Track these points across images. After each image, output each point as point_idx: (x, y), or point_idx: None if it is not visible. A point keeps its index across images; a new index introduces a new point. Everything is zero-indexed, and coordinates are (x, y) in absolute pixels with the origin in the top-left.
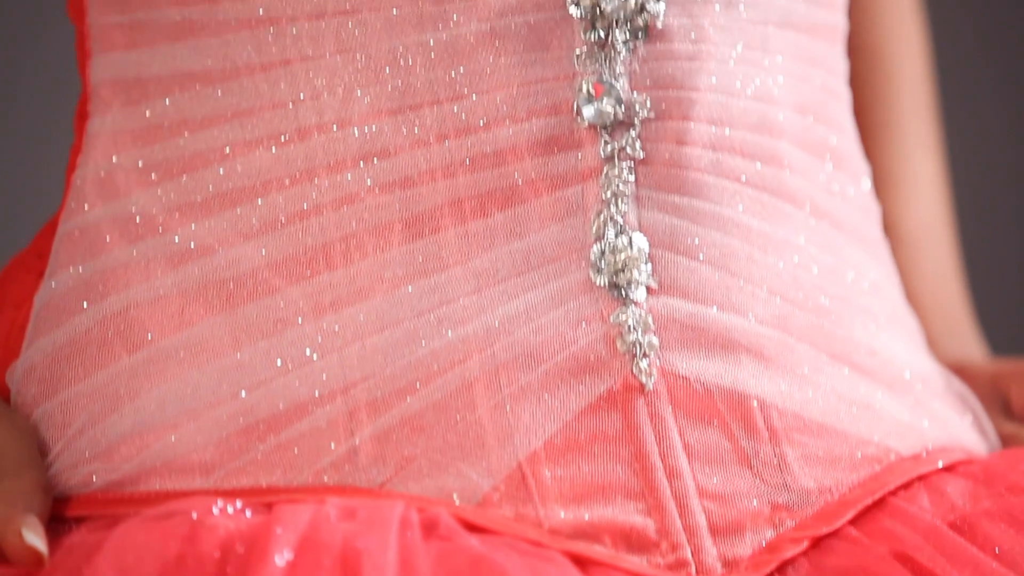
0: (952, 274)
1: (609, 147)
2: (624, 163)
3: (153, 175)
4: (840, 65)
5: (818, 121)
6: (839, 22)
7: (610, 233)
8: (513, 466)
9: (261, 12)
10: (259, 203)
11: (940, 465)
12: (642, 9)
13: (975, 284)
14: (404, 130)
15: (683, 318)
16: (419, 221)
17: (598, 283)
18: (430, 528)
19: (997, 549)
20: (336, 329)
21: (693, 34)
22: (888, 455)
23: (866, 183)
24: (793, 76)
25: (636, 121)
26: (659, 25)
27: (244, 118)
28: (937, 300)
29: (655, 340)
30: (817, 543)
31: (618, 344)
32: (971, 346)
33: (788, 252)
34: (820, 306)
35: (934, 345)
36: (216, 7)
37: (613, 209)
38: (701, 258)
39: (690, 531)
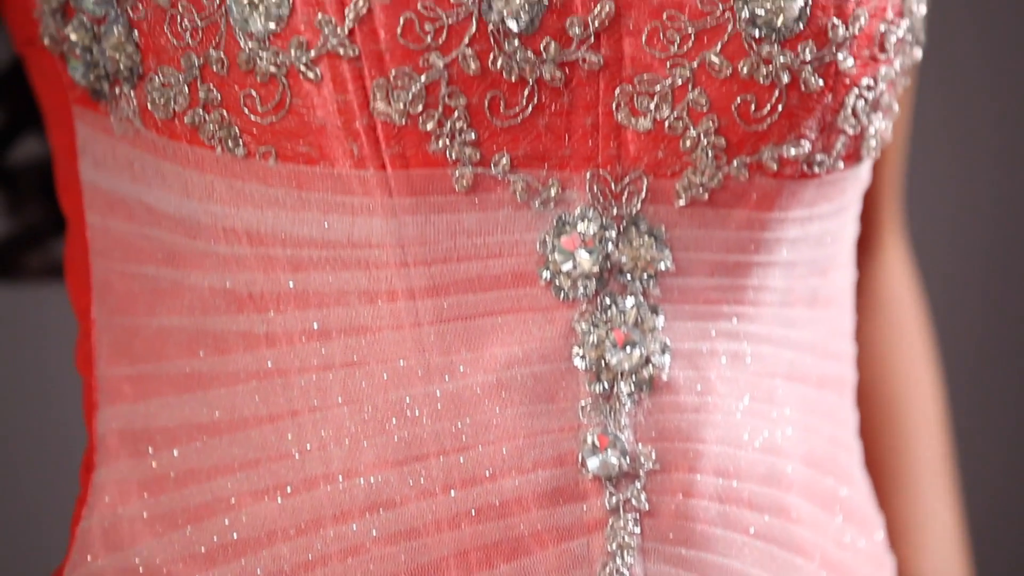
0: None
1: (614, 499)
2: (629, 515)
3: (158, 526)
4: (849, 417)
5: (827, 473)
6: (848, 374)
7: None
8: None
9: (270, 364)
10: (264, 554)
11: None
12: (647, 362)
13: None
14: (410, 481)
15: None
16: (424, 572)
17: None
18: None
19: None
20: None
21: (699, 386)
22: None
23: (879, 535)
24: (801, 428)
25: (641, 473)
26: (664, 377)
27: (251, 469)
28: None
29: None
30: None
31: None
32: None
33: None
34: None
35: None
36: (225, 359)
37: (619, 562)
38: None
39: None
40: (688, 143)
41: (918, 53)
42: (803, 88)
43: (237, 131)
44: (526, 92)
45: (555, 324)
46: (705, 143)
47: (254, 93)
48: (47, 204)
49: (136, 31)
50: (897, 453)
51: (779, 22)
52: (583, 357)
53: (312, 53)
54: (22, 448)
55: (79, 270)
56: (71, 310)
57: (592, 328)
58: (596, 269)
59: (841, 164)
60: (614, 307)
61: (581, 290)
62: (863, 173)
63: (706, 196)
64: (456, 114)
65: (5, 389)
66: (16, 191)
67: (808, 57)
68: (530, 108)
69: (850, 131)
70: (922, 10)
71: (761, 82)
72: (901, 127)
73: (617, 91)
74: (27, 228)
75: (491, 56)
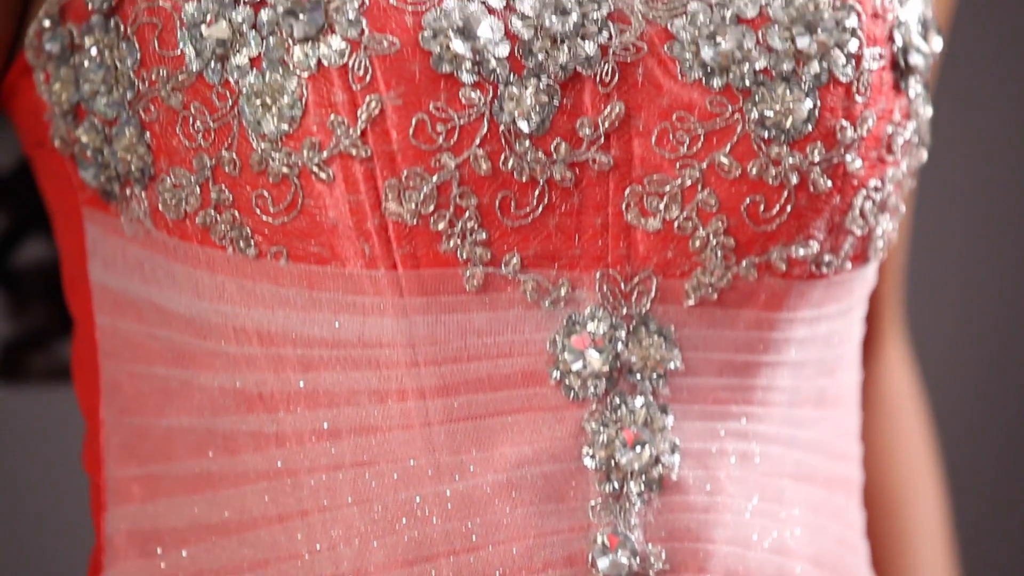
0: None
1: None
2: None
3: None
4: (856, 517)
5: (835, 574)
6: (854, 474)
7: None
8: None
9: (279, 464)
10: None
11: None
12: (657, 461)
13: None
14: None
15: None
16: None
17: None
18: None
19: None
20: None
21: (708, 486)
22: None
23: None
24: (810, 528)
25: (651, 573)
26: (674, 477)
27: (260, 569)
28: None
29: None
30: None
31: None
32: None
33: None
34: None
35: None
36: (235, 459)
37: None
38: None
39: None
40: (697, 243)
41: (924, 155)
42: (812, 189)
43: (249, 231)
44: (536, 192)
45: (565, 424)
46: (714, 243)
47: (266, 194)
48: (51, 306)
49: (148, 132)
50: (899, 551)
51: (788, 124)
52: (593, 457)
53: (324, 154)
54: (30, 549)
55: (87, 370)
56: (77, 411)
57: (602, 428)
58: (606, 369)
59: (849, 265)
60: (624, 407)
61: (591, 390)
62: (870, 274)
63: (715, 296)
64: (467, 214)
65: (11, 491)
66: (20, 293)
67: (817, 158)
68: (540, 208)
69: (858, 232)
70: (928, 112)
71: (770, 183)
72: (903, 226)
73: (627, 191)
74: (32, 330)
75: (502, 156)
